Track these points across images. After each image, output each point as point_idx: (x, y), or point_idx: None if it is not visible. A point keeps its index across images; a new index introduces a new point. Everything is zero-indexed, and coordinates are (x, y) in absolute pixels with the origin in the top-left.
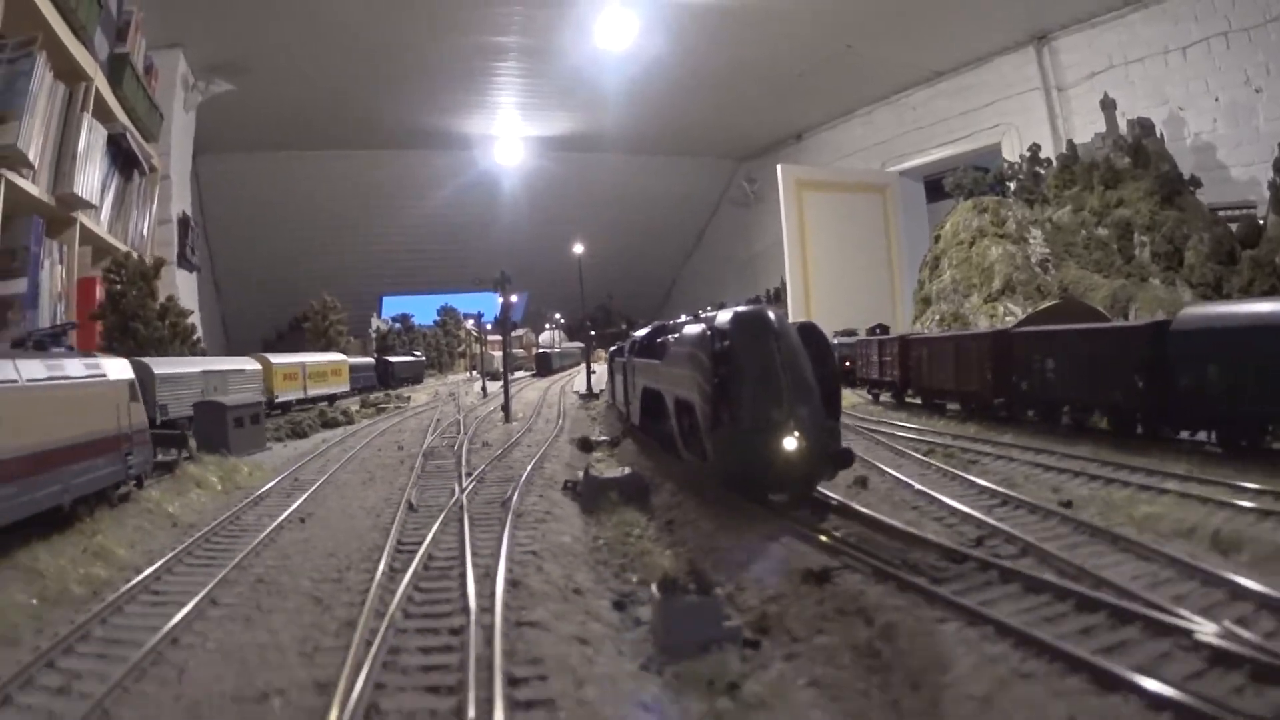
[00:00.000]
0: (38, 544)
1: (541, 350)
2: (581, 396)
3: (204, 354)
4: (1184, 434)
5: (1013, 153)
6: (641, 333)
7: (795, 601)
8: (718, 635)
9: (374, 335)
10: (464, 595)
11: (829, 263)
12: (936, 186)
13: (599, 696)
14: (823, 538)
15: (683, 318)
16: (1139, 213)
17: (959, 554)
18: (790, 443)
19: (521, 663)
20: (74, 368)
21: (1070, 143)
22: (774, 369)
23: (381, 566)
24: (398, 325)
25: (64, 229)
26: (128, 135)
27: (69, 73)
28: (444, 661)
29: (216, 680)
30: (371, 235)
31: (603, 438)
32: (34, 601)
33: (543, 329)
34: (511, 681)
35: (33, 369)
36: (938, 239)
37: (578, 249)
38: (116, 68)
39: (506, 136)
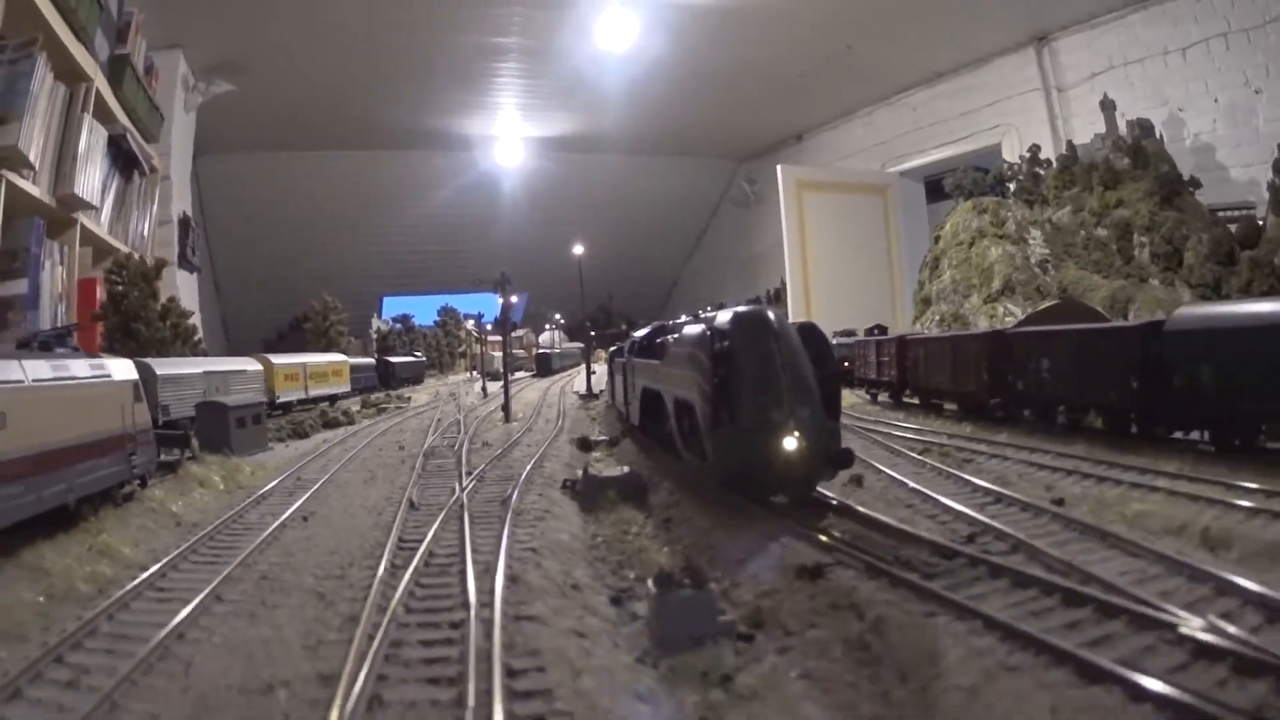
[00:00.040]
0: (43, 543)
1: (542, 351)
2: (581, 397)
3: (205, 355)
4: (1178, 434)
5: (1013, 153)
6: (641, 333)
7: (789, 596)
8: (712, 629)
9: (374, 336)
10: (464, 590)
11: (829, 263)
12: (936, 187)
13: (595, 687)
14: (817, 535)
15: (683, 318)
16: (1138, 213)
17: (950, 550)
18: (790, 443)
19: (520, 655)
20: (79, 368)
21: (1070, 143)
22: (774, 369)
23: (383, 563)
24: (398, 326)
25: (64, 230)
26: (128, 136)
27: (69, 74)
28: (445, 654)
29: (223, 673)
30: (372, 236)
31: (602, 437)
32: (40, 599)
33: (543, 329)
34: (510, 673)
35: (39, 369)
36: (938, 239)
37: (578, 249)
38: (117, 68)
39: (507, 137)
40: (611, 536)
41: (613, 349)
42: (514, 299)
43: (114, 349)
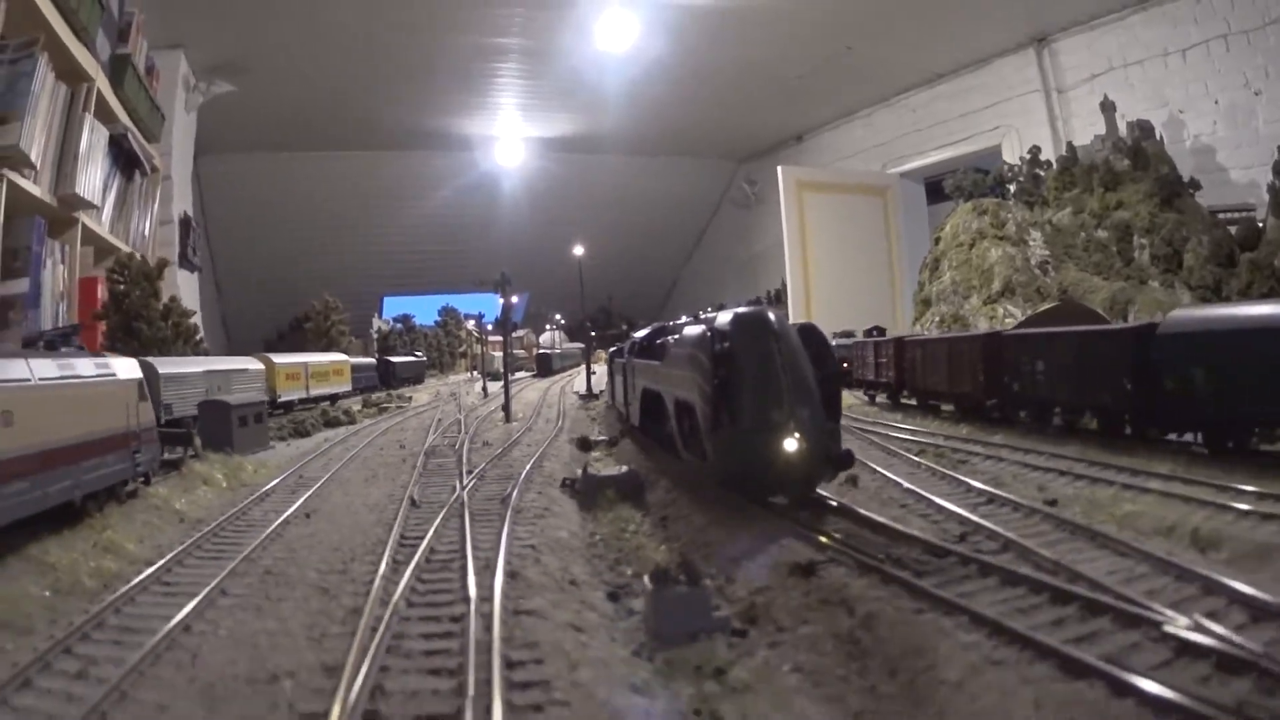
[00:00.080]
0: (49, 538)
1: (542, 351)
2: (581, 397)
3: (206, 354)
4: (1172, 436)
5: (1013, 155)
6: (641, 334)
7: (782, 593)
8: (706, 624)
9: (375, 335)
10: (464, 585)
11: (829, 264)
12: (937, 188)
13: (592, 679)
14: (811, 534)
15: (683, 319)
16: (1138, 215)
17: (941, 549)
18: (790, 444)
19: (519, 647)
20: (85, 367)
21: (1070, 145)
22: (774, 370)
23: (385, 559)
24: (399, 326)
25: (66, 229)
26: (129, 136)
27: (71, 73)
28: (445, 646)
29: (229, 664)
30: (372, 236)
31: (601, 437)
32: (47, 593)
33: (543, 330)
34: (509, 664)
35: (45, 368)
36: (938, 241)
37: (578, 250)
38: (118, 68)
39: (507, 137)
40: (609, 534)
41: (613, 349)
42: (514, 299)
43: (116, 348)
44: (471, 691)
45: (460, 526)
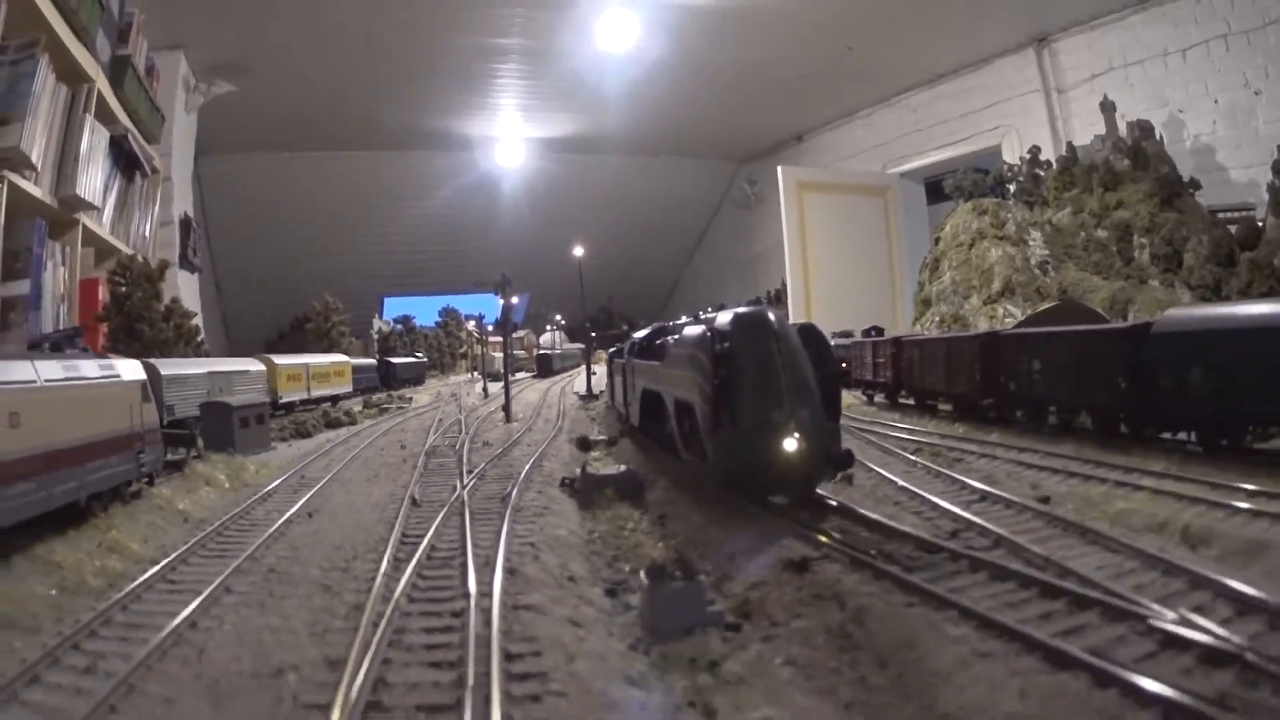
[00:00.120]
0: (54, 538)
1: (542, 351)
2: (581, 397)
3: (208, 355)
4: (1166, 434)
5: (1013, 155)
6: (641, 334)
7: (776, 588)
8: (701, 619)
9: (376, 336)
10: (465, 581)
11: (830, 264)
12: (937, 188)
13: (589, 671)
14: (806, 531)
15: (683, 319)
16: (1138, 215)
17: (933, 545)
18: (790, 444)
19: (517, 640)
20: (89, 369)
21: (1070, 145)
22: (774, 370)
23: (387, 556)
24: (399, 326)
25: (66, 230)
26: (129, 137)
27: (71, 74)
28: (446, 640)
29: (234, 659)
30: (372, 236)
31: (600, 437)
32: (53, 592)
33: (543, 330)
34: (508, 657)
35: (50, 370)
36: (938, 241)
37: (578, 250)
38: (118, 69)
39: (507, 138)
40: (608, 532)
41: (613, 350)
42: (515, 300)
43: (118, 350)
44: (471, 682)
45: (461, 525)
